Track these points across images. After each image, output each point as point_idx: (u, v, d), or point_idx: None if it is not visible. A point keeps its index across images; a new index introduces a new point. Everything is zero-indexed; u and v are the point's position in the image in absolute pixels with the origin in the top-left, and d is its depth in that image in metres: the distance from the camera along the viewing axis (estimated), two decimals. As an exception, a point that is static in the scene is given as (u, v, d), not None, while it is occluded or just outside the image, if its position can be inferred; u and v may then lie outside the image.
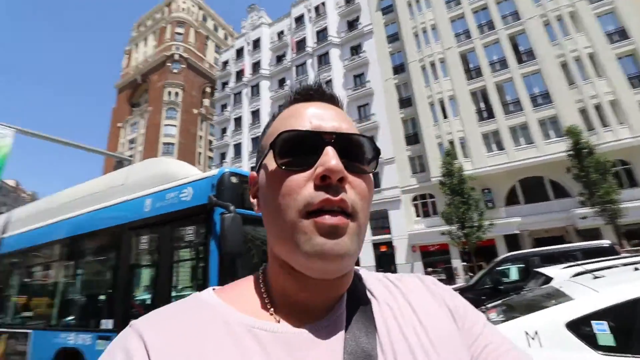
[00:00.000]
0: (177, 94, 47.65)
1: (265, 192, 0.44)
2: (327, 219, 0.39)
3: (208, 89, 51.79)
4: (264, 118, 30.07)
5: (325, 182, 0.40)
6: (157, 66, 49.87)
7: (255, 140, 30.25)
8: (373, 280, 0.52)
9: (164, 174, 4.11)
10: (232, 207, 2.93)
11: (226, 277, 2.88)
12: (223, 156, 32.94)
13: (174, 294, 3.42)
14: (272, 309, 0.44)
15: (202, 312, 0.42)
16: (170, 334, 0.39)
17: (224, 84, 36.37)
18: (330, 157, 0.40)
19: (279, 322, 0.42)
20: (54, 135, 9.22)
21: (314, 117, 0.45)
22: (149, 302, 3.63)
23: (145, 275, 3.95)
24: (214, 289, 0.48)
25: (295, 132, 0.43)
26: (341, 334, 0.42)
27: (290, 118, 0.46)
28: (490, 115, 20.17)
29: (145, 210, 3.79)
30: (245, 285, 0.49)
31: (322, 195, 0.39)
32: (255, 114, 31.39)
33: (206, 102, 51.45)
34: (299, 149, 0.42)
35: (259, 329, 0.40)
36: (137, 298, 3.87)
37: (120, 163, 9.53)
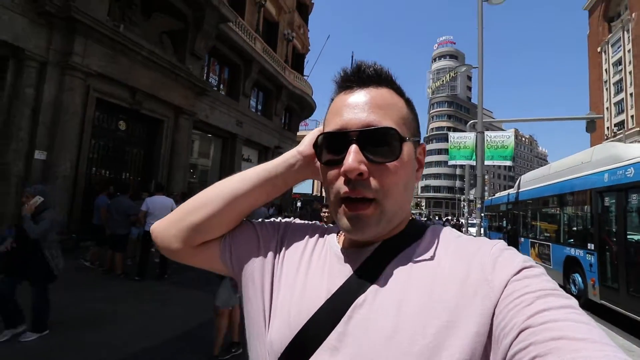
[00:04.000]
0: (676, -25, 34.58)
1: (323, 178, 0.56)
2: (349, 207, 0.50)
3: None
4: None
5: (348, 177, 0.49)
6: (636, -44, 38.86)
7: None
8: (429, 240, 0.55)
9: (614, 156, 5.96)
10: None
11: None
12: None
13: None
14: (345, 240, 0.60)
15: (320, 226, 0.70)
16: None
17: None
18: (349, 156, 0.48)
19: (340, 244, 0.60)
20: (539, 116, 12.53)
21: (346, 111, 0.52)
22: (608, 235, 5.79)
23: (589, 221, 6.07)
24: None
25: (327, 134, 0.53)
26: (354, 265, 0.54)
27: (330, 115, 0.55)
28: None
29: (603, 180, 5.95)
30: None
31: (345, 188, 0.50)
32: None
33: None
34: (332, 147, 0.52)
35: (330, 245, 0.60)
36: (605, 231, 6.12)
37: (591, 123, 11.03)
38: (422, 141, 0.59)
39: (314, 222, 0.73)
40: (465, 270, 0.47)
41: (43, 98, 7.51)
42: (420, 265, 0.50)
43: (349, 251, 0.57)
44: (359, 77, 0.54)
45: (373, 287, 0.50)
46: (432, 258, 0.51)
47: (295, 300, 0.54)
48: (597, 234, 6.09)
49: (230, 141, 14.90)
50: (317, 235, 0.65)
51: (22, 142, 7.31)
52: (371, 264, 0.53)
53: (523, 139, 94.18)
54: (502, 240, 0.51)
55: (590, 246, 6.29)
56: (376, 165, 0.50)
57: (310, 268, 0.58)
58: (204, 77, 12.83)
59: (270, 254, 0.62)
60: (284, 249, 0.63)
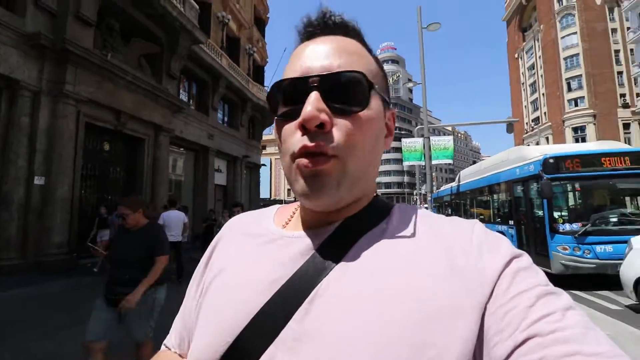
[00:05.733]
0: (568, -5, 41.52)
1: (277, 135, 0.47)
2: (303, 162, 0.41)
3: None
4: None
5: (306, 130, 0.41)
6: (539, -23, 45.79)
7: None
8: (399, 217, 0.46)
9: (522, 156, 8.21)
10: (545, 176, 6.59)
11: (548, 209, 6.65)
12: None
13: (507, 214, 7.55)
14: (291, 221, 0.52)
15: (261, 215, 0.57)
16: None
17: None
18: (307, 104, 0.40)
19: (284, 228, 0.51)
20: (466, 121, 15.19)
21: (307, 58, 0.44)
22: (508, 216, 7.98)
23: (508, 204, 8.30)
24: (280, 206, 0.59)
25: (281, 83, 0.44)
26: (310, 248, 0.45)
27: (288, 64, 0.46)
28: None
29: (516, 174, 8.16)
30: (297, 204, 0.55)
31: (301, 142, 0.41)
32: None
33: (614, -20, 39.97)
34: (289, 98, 0.43)
35: (272, 230, 0.50)
36: (519, 210, 8.35)
37: (510, 125, 13.85)
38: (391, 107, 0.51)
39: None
40: (448, 253, 0.40)
41: (38, 126, 7.94)
42: (394, 246, 0.42)
43: (302, 234, 0.47)
44: (324, 23, 0.47)
45: (337, 272, 0.40)
46: (408, 236, 0.43)
47: (226, 304, 0.44)
48: (514, 213, 8.30)
49: (202, 153, 15.60)
50: (254, 225, 0.54)
51: (21, 169, 7.69)
52: (332, 244, 0.43)
53: (459, 134, 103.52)
54: (477, 221, 0.46)
55: (510, 222, 8.50)
56: (340, 117, 0.41)
57: (246, 261, 0.47)
58: (177, 95, 13.49)
59: (197, 279, 0.54)
60: (212, 261, 0.53)
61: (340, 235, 0.45)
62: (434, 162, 12.81)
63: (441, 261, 0.39)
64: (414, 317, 0.35)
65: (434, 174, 19.96)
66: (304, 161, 0.41)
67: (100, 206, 8.76)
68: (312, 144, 0.40)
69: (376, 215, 0.47)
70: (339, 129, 0.42)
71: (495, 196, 9.84)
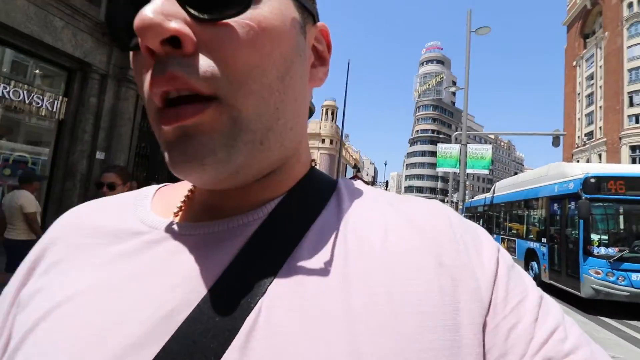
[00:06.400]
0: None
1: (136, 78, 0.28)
2: (168, 116, 0.25)
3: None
4: None
5: (155, 57, 0.24)
6: (610, -21, 42.25)
7: None
8: (357, 201, 0.33)
9: (562, 172, 7.93)
10: (585, 196, 6.39)
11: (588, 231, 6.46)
12: None
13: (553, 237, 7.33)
14: (185, 206, 0.33)
15: (124, 201, 0.36)
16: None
17: None
18: (143, 9, 0.23)
19: (175, 219, 0.32)
20: (509, 130, 14.64)
21: None
22: (549, 237, 7.75)
23: (543, 221, 8.04)
24: (161, 186, 0.39)
25: None
26: (231, 248, 0.28)
27: None
28: None
29: (554, 190, 7.91)
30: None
31: (148, 81, 0.25)
32: None
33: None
34: (131, 17, 0.24)
35: (142, 227, 0.31)
36: (553, 228, 8.10)
37: (557, 139, 13.20)
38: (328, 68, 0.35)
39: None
40: (430, 249, 0.29)
41: (104, 106, 8.87)
42: (355, 245, 0.28)
43: (209, 226, 0.30)
44: None
45: (279, 287, 0.26)
46: (371, 229, 0.29)
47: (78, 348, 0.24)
48: (548, 230, 8.07)
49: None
50: (114, 218, 0.33)
51: (86, 143, 8.67)
52: (264, 242, 0.28)
53: (502, 144, 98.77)
54: (438, 201, 0.35)
55: (543, 240, 8.27)
56: (209, 28, 0.24)
57: (106, 286, 0.27)
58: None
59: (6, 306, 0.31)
60: (29, 292, 0.30)
61: (276, 225, 0.29)
62: (469, 170, 12.56)
63: (425, 262, 0.28)
64: (409, 348, 0.24)
65: (468, 182, 19.46)
66: (164, 114, 0.25)
67: (151, 181, 9.64)
68: (162, 77, 0.24)
69: (321, 192, 0.33)
70: (213, 48, 0.25)
71: (530, 211, 9.55)
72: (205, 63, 0.24)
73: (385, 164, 52.80)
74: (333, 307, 0.25)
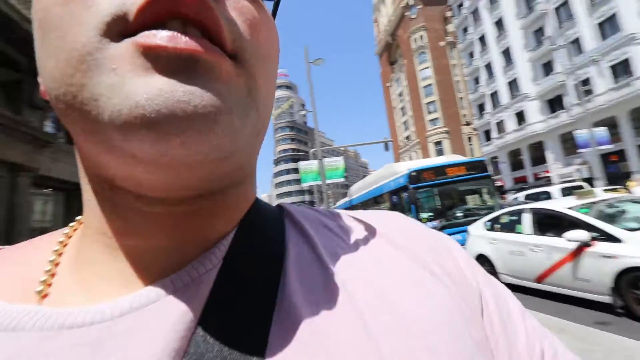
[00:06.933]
0: (421, 37, 51.21)
1: (37, 12, 0.19)
2: (169, 39, 0.16)
3: (449, 13, 51.42)
4: (510, 23, 28.09)
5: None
6: (399, 21, 55.53)
7: (507, 54, 29.26)
8: (302, 225, 0.27)
9: (394, 171, 9.94)
10: (410, 187, 8.18)
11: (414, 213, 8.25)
12: (477, 81, 34.22)
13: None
14: (54, 281, 0.21)
15: None
16: None
17: (460, 6, 36.72)
18: None
19: (43, 301, 0.20)
20: (354, 142, 17.36)
21: None
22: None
23: (391, 209, 9.96)
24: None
25: None
26: (188, 319, 0.19)
27: None
28: None
29: (391, 186, 9.77)
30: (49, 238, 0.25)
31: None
32: (499, 24, 29.80)
33: (451, 27, 51.51)
34: None
35: None
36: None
37: (387, 145, 16.38)
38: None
39: None
40: (426, 258, 0.27)
41: None
42: (345, 272, 0.24)
43: (120, 305, 0.19)
44: None
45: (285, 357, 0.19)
46: (354, 251, 0.26)
47: None
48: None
49: (76, 193, 13.60)
50: None
51: None
52: (224, 307, 0.20)
53: (350, 153, 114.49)
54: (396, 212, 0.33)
55: (392, 228, 10.09)
56: None
57: None
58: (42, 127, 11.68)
59: None
60: None
61: (243, 271, 0.22)
62: (328, 181, 14.11)
63: (427, 273, 0.26)
64: None
65: (331, 191, 21.77)
66: (161, 33, 0.16)
67: None
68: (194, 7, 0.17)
69: (273, 218, 0.27)
70: (244, 12, 0.20)
71: (380, 206, 11.46)
72: (238, 17, 0.20)
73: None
74: (363, 350, 0.20)
